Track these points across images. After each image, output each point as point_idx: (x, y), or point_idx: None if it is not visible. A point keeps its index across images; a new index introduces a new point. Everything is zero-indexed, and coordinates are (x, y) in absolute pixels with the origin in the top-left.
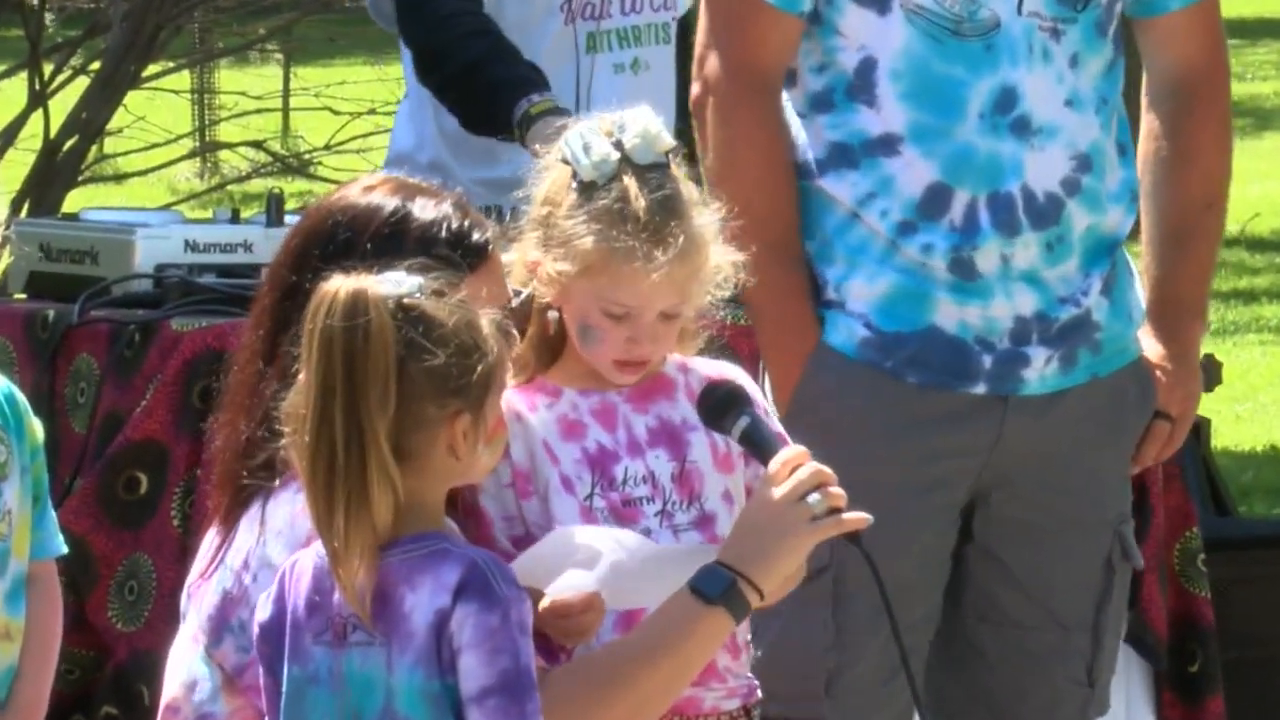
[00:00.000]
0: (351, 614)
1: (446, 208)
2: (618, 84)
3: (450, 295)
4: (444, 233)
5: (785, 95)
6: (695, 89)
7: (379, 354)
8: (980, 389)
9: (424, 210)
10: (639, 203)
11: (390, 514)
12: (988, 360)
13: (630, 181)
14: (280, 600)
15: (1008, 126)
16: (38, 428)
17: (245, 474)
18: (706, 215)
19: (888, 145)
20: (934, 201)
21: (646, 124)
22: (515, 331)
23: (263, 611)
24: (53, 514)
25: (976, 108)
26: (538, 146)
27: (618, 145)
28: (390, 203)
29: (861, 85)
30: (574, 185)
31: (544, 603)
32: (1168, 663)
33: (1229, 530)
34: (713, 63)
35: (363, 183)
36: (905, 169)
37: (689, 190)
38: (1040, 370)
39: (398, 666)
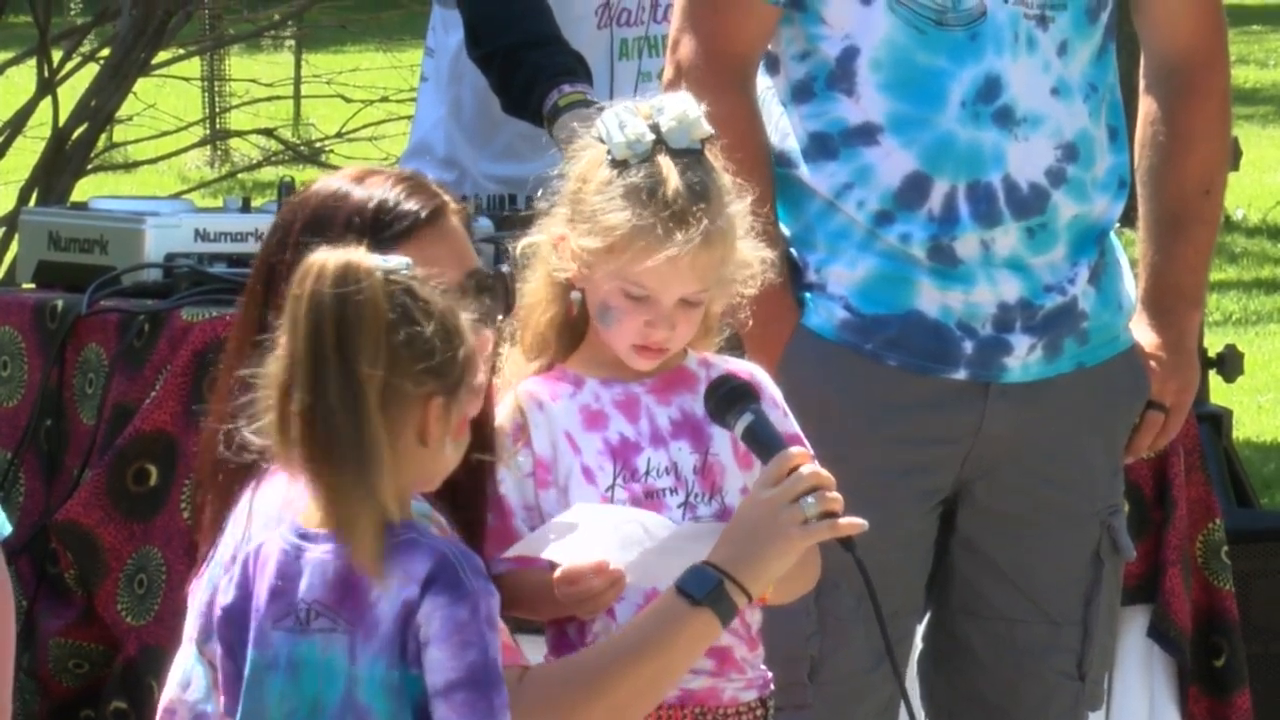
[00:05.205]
0: (315, 600)
1: (383, 188)
2: (645, 92)
3: (434, 283)
4: (367, 212)
5: (770, 84)
6: (668, 73)
7: (371, 319)
8: (961, 375)
9: (362, 190)
10: (668, 184)
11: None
12: (969, 346)
13: (663, 162)
14: (244, 585)
15: (990, 116)
16: None
17: (231, 467)
18: (737, 206)
19: (867, 135)
20: (912, 191)
21: (685, 109)
22: (491, 333)
23: (225, 596)
24: None
25: (958, 97)
26: (575, 125)
27: (654, 128)
28: (334, 185)
29: (842, 74)
30: (607, 162)
31: (558, 571)
32: (1193, 657)
33: (1251, 522)
34: (686, 47)
35: (342, 171)
36: (884, 158)
37: (722, 179)
38: (1023, 358)
39: (361, 656)
